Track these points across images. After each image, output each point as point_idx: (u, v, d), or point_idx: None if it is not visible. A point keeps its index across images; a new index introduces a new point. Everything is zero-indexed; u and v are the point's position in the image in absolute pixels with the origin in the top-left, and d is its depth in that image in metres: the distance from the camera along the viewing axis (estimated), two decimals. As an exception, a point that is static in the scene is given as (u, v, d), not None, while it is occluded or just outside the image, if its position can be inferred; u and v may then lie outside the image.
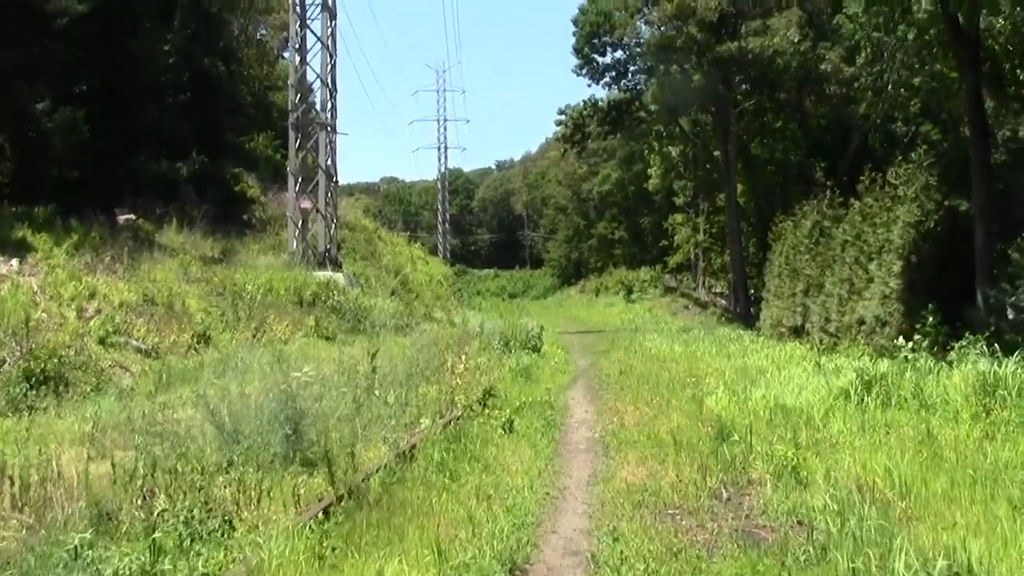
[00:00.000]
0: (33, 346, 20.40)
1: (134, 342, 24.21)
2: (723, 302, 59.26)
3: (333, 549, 8.10)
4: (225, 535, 8.46)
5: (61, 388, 19.34)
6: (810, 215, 36.46)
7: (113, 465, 9.96)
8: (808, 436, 13.15)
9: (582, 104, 59.11)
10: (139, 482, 9.71)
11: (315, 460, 10.98)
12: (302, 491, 10.19)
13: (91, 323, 23.98)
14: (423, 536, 8.88)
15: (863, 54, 40.27)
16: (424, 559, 8.21)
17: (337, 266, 41.01)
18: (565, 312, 65.34)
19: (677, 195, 68.49)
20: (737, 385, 18.81)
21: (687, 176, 65.08)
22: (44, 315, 23.79)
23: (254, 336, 28.19)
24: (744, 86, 54.35)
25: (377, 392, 15.65)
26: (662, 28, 52.61)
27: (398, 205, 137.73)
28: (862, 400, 15.37)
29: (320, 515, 9.08)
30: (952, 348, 19.07)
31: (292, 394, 12.09)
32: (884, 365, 16.89)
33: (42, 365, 19.35)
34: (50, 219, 30.45)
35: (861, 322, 28.90)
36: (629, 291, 70.81)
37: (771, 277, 40.67)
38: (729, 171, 53.76)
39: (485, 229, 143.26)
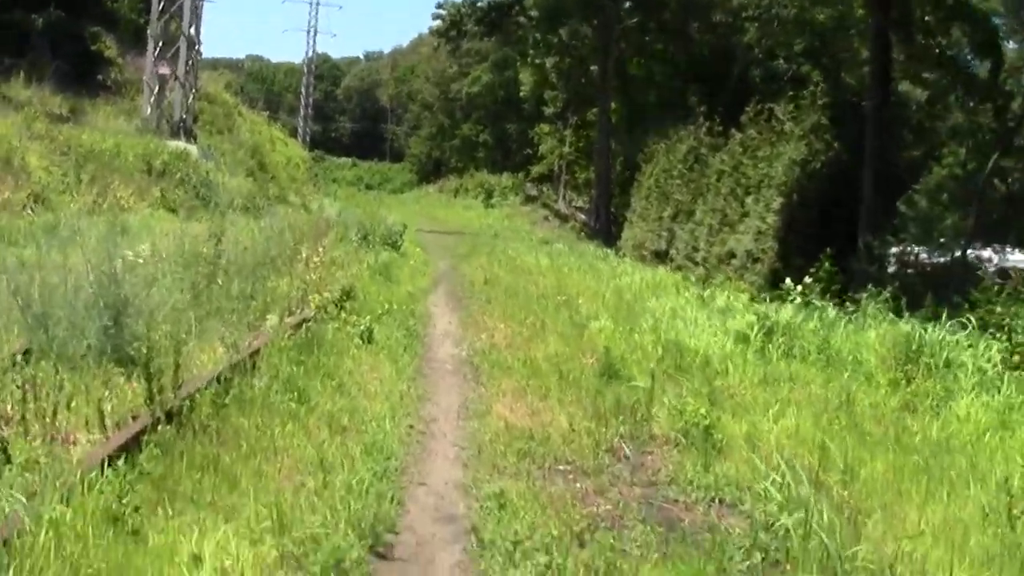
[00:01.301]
0: None
1: None
2: (583, 217, 57.78)
3: (136, 508, 5.85)
4: (-7, 468, 6.14)
5: None
6: (686, 140, 35.22)
7: None
8: (708, 385, 11.25)
9: (461, 1, 56.97)
10: None
11: (136, 359, 8.67)
12: (113, 402, 7.96)
13: None
14: (260, 486, 6.74)
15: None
16: (260, 524, 6.05)
17: (192, 138, 38.05)
18: (423, 210, 62.63)
19: (547, 105, 66.54)
20: (618, 312, 16.90)
21: (559, 87, 63.15)
22: None
23: (95, 202, 25.92)
24: (629, 2, 52.48)
25: (220, 281, 13.29)
26: (552, -72, 50.02)
27: (261, 84, 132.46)
28: (763, 348, 13.54)
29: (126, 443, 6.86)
30: (845, 298, 17.58)
31: (118, 277, 9.71)
32: (788, 311, 15.09)
33: None
34: None
35: (732, 255, 27.69)
36: (489, 195, 68.51)
37: (638, 198, 39.70)
38: (605, 87, 52.28)
39: (347, 118, 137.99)
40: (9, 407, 7.63)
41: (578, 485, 8.08)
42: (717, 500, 7.91)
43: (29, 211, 22.96)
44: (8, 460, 6.23)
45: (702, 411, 9.46)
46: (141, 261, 10.98)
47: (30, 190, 24.35)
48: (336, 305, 13.73)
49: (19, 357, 8.81)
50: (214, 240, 14.92)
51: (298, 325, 12.01)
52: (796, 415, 9.93)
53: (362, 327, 12.73)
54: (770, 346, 13.59)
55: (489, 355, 13.30)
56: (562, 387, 11.18)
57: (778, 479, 7.47)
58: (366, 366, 11.44)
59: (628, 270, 26.52)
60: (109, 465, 6.29)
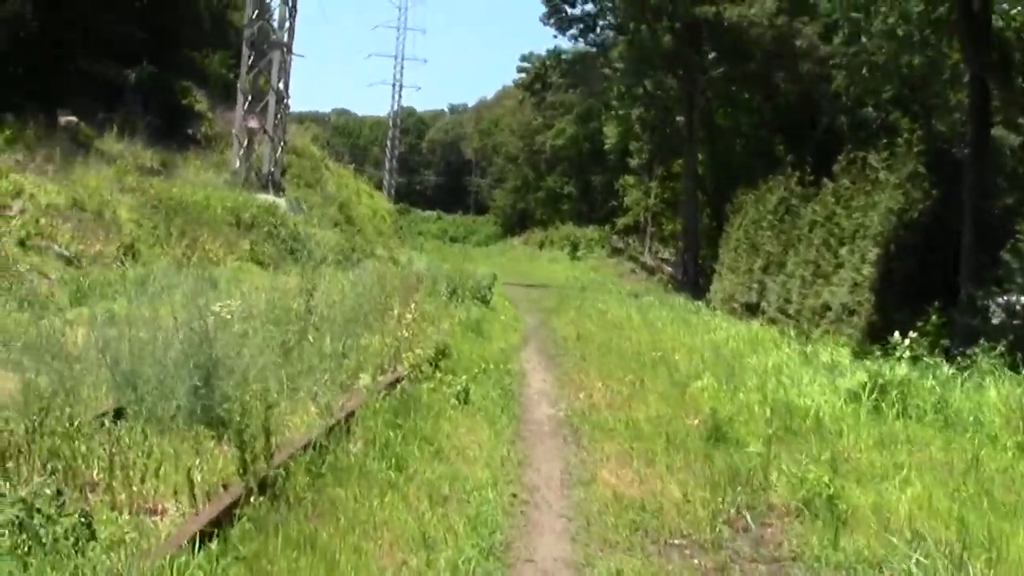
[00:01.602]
0: None
1: (56, 247, 21.98)
2: (670, 269, 56.87)
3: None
4: (77, 545, 5.68)
5: None
6: (776, 190, 34.36)
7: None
8: (820, 448, 10.58)
9: (546, 54, 57.11)
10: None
11: (226, 421, 8.26)
12: (203, 469, 7.53)
13: (13, 223, 21.73)
14: (360, 566, 6.26)
15: (841, 33, 38.04)
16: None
17: (280, 191, 38.01)
18: (508, 263, 62.24)
19: (632, 156, 66.00)
20: (717, 369, 16.25)
21: (644, 139, 62.61)
22: None
23: (184, 254, 25.88)
24: (714, 54, 51.85)
25: (311, 338, 12.92)
26: (636, -16, 49.76)
27: (347, 138, 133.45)
28: (876, 408, 12.83)
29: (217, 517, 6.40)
30: (956, 353, 16.79)
31: (209, 335, 9.32)
32: (902, 367, 14.33)
33: None
34: None
35: (826, 308, 26.81)
36: (575, 248, 68.02)
37: (727, 250, 38.85)
38: (691, 138, 51.71)
39: (432, 171, 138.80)
40: (96, 472, 7.26)
41: (696, 562, 7.49)
42: (847, 579, 7.27)
43: (120, 263, 22.87)
44: (93, 536, 5.79)
45: (825, 479, 8.81)
46: (230, 317, 10.57)
47: (120, 242, 24.32)
48: (430, 364, 13.30)
49: (108, 418, 8.44)
50: (305, 295, 14.58)
51: (392, 384, 11.58)
52: (922, 482, 9.26)
53: (458, 387, 12.29)
54: (883, 405, 12.89)
55: (588, 416, 12.75)
56: (669, 451, 10.58)
57: (917, 558, 6.84)
58: (463, 428, 10.94)
59: (721, 324, 25.84)
60: (199, 543, 5.84)
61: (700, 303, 35.29)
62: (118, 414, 8.81)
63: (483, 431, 11.08)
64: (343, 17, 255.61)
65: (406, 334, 14.60)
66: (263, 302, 14.84)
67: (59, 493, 6.00)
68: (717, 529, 8.18)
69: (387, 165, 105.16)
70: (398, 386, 11.54)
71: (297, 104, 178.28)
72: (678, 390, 14.51)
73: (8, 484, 6.22)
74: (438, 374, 12.90)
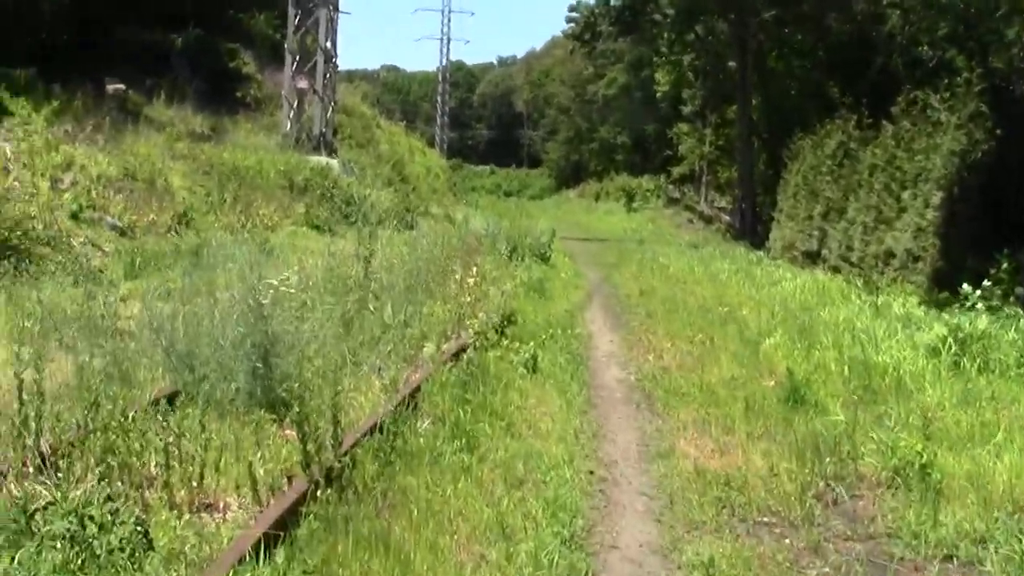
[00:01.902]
0: None
1: (109, 219, 21.81)
2: (727, 218, 55.83)
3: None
4: (134, 557, 5.25)
5: (23, 264, 17.10)
6: (834, 135, 33.38)
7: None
8: (905, 410, 10.00)
9: (595, 2, 55.85)
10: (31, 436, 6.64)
11: (288, 401, 7.82)
12: (265, 458, 7.14)
13: (64, 196, 21.57)
14: (437, 565, 5.84)
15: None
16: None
17: (332, 151, 37.50)
18: (564, 216, 61.25)
19: (685, 104, 64.75)
20: (788, 324, 15.67)
21: (697, 86, 61.50)
22: (16, 183, 21.30)
23: (239, 221, 25.56)
24: None
25: (372, 307, 12.49)
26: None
27: (396, 95, 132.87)
28: (957, 363, 12.21)
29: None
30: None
31: (265, 312, 8.89)
32: (983, 320, 13.67)
33: (3, 236, 17.33)
34: (31, 83, 27.59)
35: (890, 254, 26.00)
36: (631, 199, 66.87)
37: (785, 197, 37.92)
38: (744, 83, 50.47)
39: (484, 125, 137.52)
40: (152, 466, 6.86)
41: (788, 542, 7.04)
42: (952, 558, 6.78)
43: (174, 232, 22.76)
44: (150, 545, 5.38)
45: (917, 447, 8.25)
46: (291, 291, 10.14)
47: (174, 211, 24.07)
48: (496, 330, 12.82)
49: (164, 403, 8.04)
50: (363, 261, 14.13)
51: (457, 354, 11.13)
52: (1018, 445, 8.72)
53: (525, 354, 11.83)
54: (964, 360, 12.27)
55: (660, 380, 12.25)
56: (748, 417, 10.10)
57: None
58: (533, 399, 10.47)
59: (785, 275, 25.23)
60: (265, 548, 5.42)
61: (760, 253, 34.78)
62: (172, 398, 8.43)
63: (554, 401, 10.61)
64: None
65: (468, 299, 14.12)
66: (320, 270, 14.43)
67: (109, 499, 5.58)
68: (807, 504, 7.70)
69: (438, 121, 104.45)
70: (463, 356, 11.06)
71: (345, 62, 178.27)
72: (750, 349, 13.97)
73: (60, 489, 5.80)
74: (504, 341, 12.44)
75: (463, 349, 11.44)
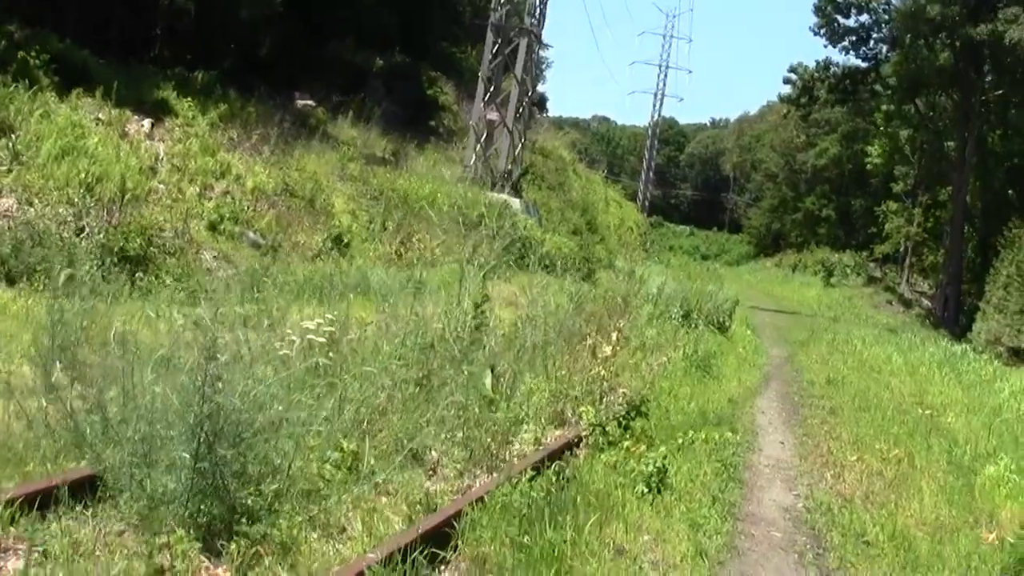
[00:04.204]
0: (121, 220, 16.60)
1: (251, 234, 20.10)
2: (928, 303, 52.36)
3: None
4: None
5: (139, 273, 14.75)
6: (1055, 226, 29.98)
7: None
8: None
9: (815, 65, 53.42)
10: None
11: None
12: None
13: (207, 205, 19.87)
14: None
15: None
16: None
17: (516, 190, 34.55)
18: (757, 284, 57.54)
19: (896, 182, 61.30)
20: (1013, 447, 11.87)
21: (911, 162, 57.77)
22: (161, 186, 19.73)
23: (397, 251, 23.18)
24: (992, 74, 48.33)
25: (466, 370, 9.14)
26: (915, -4, 46.27)
27: (605, 146, 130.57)
28: None
29: None
30: None
31: (218, 379, 5.60)
32: None
33: (122, 243, 15.58)
34: (208, 87, 26.34)
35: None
36: (829, 273, 62.46)
37: (994, 288, 35.27)
38: (962, 163, 47.63)
39: (689, 185, 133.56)
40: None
41: None
42: None
43: (323, 256, 20.88)
44: None
45: None
46: (321, 338, 7.01)
47: (328, 234, 22.20)
48: (619, 423, 9.28)
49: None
50: (475, 310, 10.85)
51: (557, 454, 7.77)
52: None
53: (651, 465, 8.02)
54: None
55: (837, 515, 8.60)
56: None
57: None
58: (647, 536, 6.96)
59: (1000, 375, 21.39)
60: None
61: (964, 345, 30.73)
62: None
63: (678, 540, 7.06)
64: (609, 24, 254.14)
65: (601, 373, 10.60)
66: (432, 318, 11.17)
67: None
68: None
69: (643, 176, 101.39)
70: (566, 456, 7.67)
71: (557, 109, 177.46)
72: (962, 478, 10.25)
73: None
74: (626, 438, 8.84)
75: (569, 446, 8.08)
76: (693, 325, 20.51)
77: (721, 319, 22.73)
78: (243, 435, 5.33)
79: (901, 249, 63.10)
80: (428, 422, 7.67)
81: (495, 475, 7.09)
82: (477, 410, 8.12)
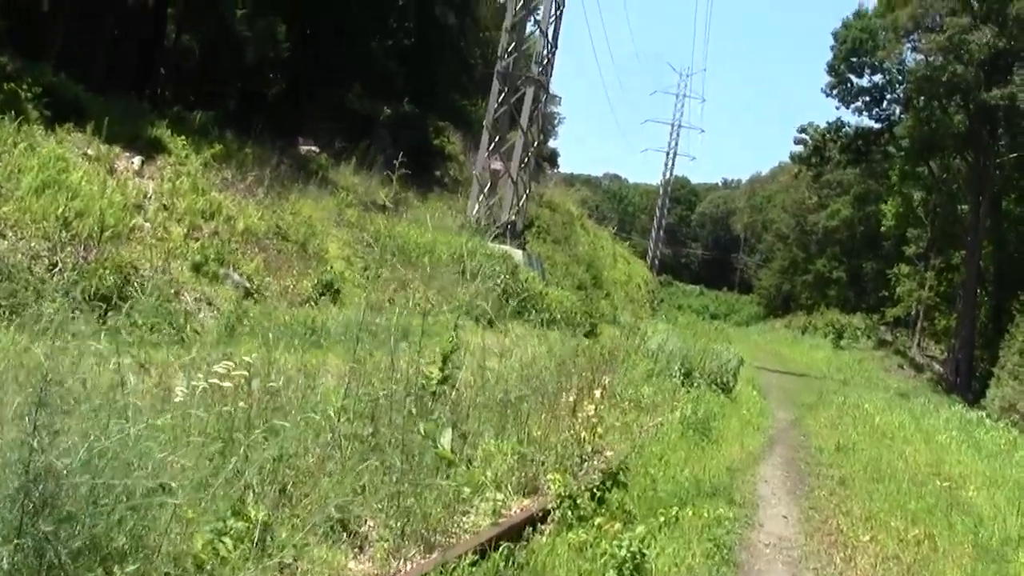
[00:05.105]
0: (98, 257, 15.64)
1: (235, 276, 18.91)
2: (939, 368, 51.13)
3: None
4: None
5: (109, 313, 13.60)
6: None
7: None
8: None
9: (827, 125, 53.01)
10: None
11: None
12: None
13: (192, 245, 18.74)
14: None
15: None
16: None
17: (519, 241, 33.42)
18: (766, 345, 56.15)
19: (908, 244, 60.24)
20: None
21: (924, 225, 56.83)
22: (146, 224, 18.70)
23: (390, 299, 22.05)
24: (1007, 137, 47.48)
25: (422, 429, 7.81)
26: (929, 58, 45.68)
27: (617, 203, 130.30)
28: None
29: None
30: None
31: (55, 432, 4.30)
32: None
33: (95, 280, 14.44)
34: (204, 126, 25.67)
35: None
36: (839, 336, 61.32)
37: (1009, 353, 34.59)
38: (976, 226, 46.75)
39: (700, 244, 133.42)
40: None
41: None
42: None
43: (312, 303, 19.81)
44: None
45: None
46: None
47: (319, 279, 21.06)
48: (592, 494, 7.89)
49: None
50: (443, 362, 9.60)
51: (516, 530, 6.47)
52: None
53: (625, 548, 6.52)
54: None
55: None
56: None
57: None
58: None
59: (1020, 443, 20.11)
60: None
61: (979, 412, 29.54)
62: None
63: None
64: (623, 83, 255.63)
65: (583, 433, 9.26)
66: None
67: None
68: None
69: (653, 234, 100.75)
70: (525, 535, 6.37)
71: (569, 166, 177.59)
72: (992, 567, 8.92)
73: None
74: (599, 514, 7.40)
75: (532, 521, 6.79)
76: (695, 384, 19.29)
77: (725, 379, 21.46)
78: (84, 503, 4.08)
79: (912, 313, 62.02)
80: (363, 488, 6.41)
81: (433, 555, 5.82)
82: (424, 475, 6.82)
